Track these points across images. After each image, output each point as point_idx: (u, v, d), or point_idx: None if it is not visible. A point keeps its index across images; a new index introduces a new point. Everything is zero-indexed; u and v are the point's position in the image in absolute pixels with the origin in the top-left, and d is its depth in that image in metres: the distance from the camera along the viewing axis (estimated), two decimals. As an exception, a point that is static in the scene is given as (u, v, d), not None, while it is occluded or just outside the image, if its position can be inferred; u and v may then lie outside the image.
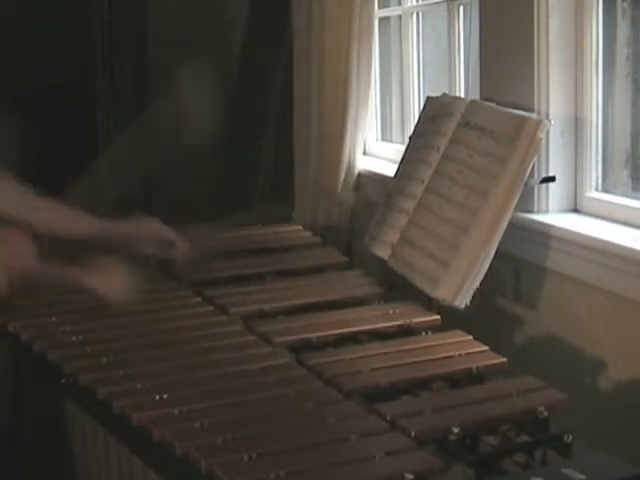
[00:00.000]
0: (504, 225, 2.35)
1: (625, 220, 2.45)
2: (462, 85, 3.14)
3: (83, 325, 2.30)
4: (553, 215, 2.59)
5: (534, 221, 2.57)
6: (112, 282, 1.93)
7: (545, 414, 1.80)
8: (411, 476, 1.58)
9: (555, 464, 1.70)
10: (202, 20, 4.43)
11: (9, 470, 2.57)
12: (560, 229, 2.49)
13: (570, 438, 1.74)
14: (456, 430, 1.72)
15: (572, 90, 2.58)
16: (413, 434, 1.72)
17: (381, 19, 3.68)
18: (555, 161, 2.59)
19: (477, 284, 2.36)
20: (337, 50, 3.49)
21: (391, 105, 3.78)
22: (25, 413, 2.67)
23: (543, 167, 2.59)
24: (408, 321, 2.32)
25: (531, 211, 2.61)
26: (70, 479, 2.42)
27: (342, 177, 3.56)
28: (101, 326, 2.30)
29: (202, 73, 2.46)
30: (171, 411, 1.84)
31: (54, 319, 2.35)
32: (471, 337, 2.20)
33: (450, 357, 2.10)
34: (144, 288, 2.09)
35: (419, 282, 2.46)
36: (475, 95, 2.84)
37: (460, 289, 2.34)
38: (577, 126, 2.59)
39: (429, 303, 2.43)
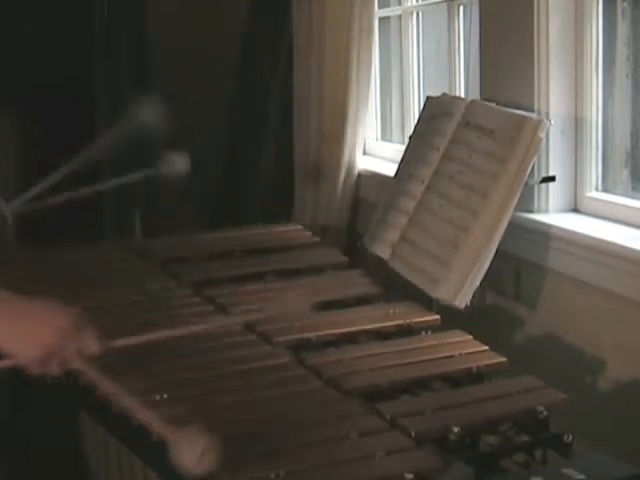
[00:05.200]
0: (504, 225, 2.35)
1: (625, 220, 2.45)
2: (462, 85, 3.14)
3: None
4: (553, 215, 2.60)
5: (534, 221, 2.57)
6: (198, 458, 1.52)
7: (545, 414, 1.80)
8: (411, 475, 1.58)
9: (555, 464, 1.70)
10: (202, 20, 4.43)
11: (10, 470, 2.57)
12: (560, 229, 2.50)
13: (570, 438, 1.74)
14: (456, 430, 1.72)
15: (572, 90, 2.58)
16: (413, 434, 1.72)
17: (381, 19, 3.69)
18: (555, 161, 2.60)
19: (477, 284, 2.36)
20: (337, 50, 3.50)
21: (391, 105, 3.79)
22: (24, 412, 2.67)
23: (543, 167, 2.59)
24: (408, 321, 2.31)
25: (531, 211, 2.61)
26: (70, 479, 2.42)
27: (342, 177, 3.57)
28: (100, 325, 2.30)
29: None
30: (171, 411, 1.84)
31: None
32: (471, 337, 2.20)
33: (450, 357, 2.10)
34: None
35: (419, 282, 2.45)
36: (475, 95, 2.85)
37: (460, 289, 2.34)
38: (577, 126, 2.59)
39: (429, 303, 2.43)
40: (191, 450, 1.52)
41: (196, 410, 1.84)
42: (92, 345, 1.63)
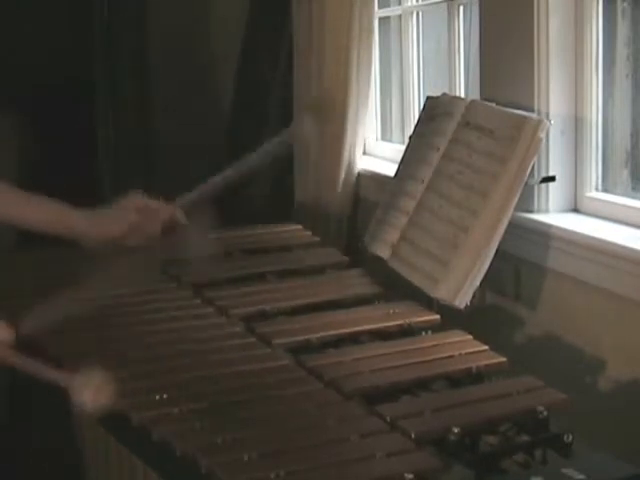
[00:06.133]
0: (504, 225, 2.35)
1: (625, 220, 2.45)
2: (462, 85, 3.14)
3: (82, 325, 2.30)
4: (553, 215, 2.59)
5: (534, 221, 2.57)
6: (95, 395, 1.63)
7: (545, 414, 1.80)
8: (411, 476, 1.58)
9: (555, 464, 1.70)
10: (202, 20, 4.43)
11: (10, 471, 2.57)
12: (560, 229, 2.49)
13: (570, 438, 1.74)
14: (456, 430, 1.72)
15: (572, 90, 2.58)
16: (413, 435, 1.72)
17: (381, 19, 3.69)
18: (555, 161, 2.60)
19: (477, 284, 2.36)
20: (337, 50, 3.50)
21: (391, 105, 3.78)
22: (26, 414, 2.67)
23: (543, 167, 2.59)
24: (408, 321, 2.32)
25: (531, 211, 2.61)
26: (71, 479, 2.42)
27: (342, 177, 3.57)
28: (101, 326, 2.30)
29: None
30: (171, 411, 1.84)
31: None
32: (471, 337, 2.20)
33: (450, 357, 2.10)
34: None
35: (419, 282, 2.45)
36: (475, 95, 2.84)
37: (460, 289, 2.34)
38: (577, 126, 2.59)
39: (429, 303, 2.43)
40: (87, 389, 1.60)
41: (195, 410, 1.84)
42: (3, 333, 1.72)
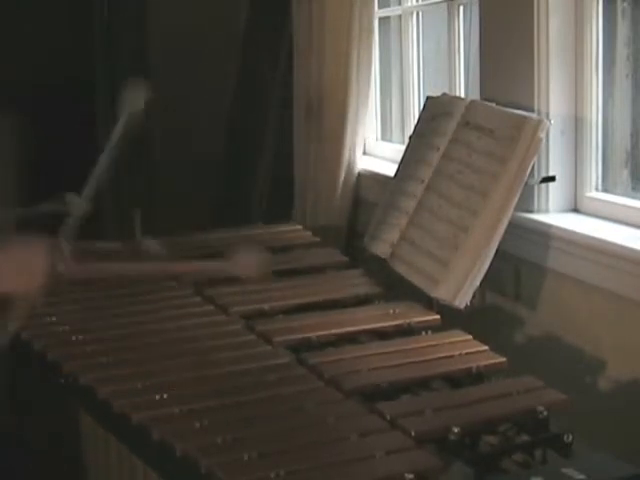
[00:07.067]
0: (504, 225, 2.36)
1: (625, 220, 2.45)
2: (462, 85, 3.14)
3: (83, 325, 2.30)
4: (553, 215, 2.59)
5: (534, 221, 2.57)
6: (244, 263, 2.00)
7: (545, 414, 1.80)
8: (411, 475, 1.58)
9: (555, 464, 1.70)
10: (202, 21, 4.43)
11: (10, 471, 2.57)
12: (560, 229, 2.49)
13: (570, 438, 1.74)
14: (456, 430, 1.72)
15: (572, 90, 2.58)
16: (413, 433, 1.72)
17: (381, 19, 3.69)
18: (555, 161, 2.60)
19: (477, 284, 2.37)
20: (337, 50, 3.50)
21: (391, 105, 3.79)
22: (26, 413, 2.67)
23: (543, 167, 2.59)
24: (408, 321, 2.32)
25: (531, 211, 2.61)
26: (70, 479, 2.42)
27: (342, 177, 3.57)
28: (101, 326, 2.30)
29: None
30: (171, 411, 1.84)
31: (54, 319, 2.35)
32: (471, 337, 2.20)
33: (450, 357, 2.11)
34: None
35: (419, 282, 2.46)
36: (475, 95, 2.84)
37: (460, 289, 2.35)
38: (577, 126, 2.59)
39: (429, 303, 2.43)
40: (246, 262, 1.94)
41: (195, 410, 1.84)
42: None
